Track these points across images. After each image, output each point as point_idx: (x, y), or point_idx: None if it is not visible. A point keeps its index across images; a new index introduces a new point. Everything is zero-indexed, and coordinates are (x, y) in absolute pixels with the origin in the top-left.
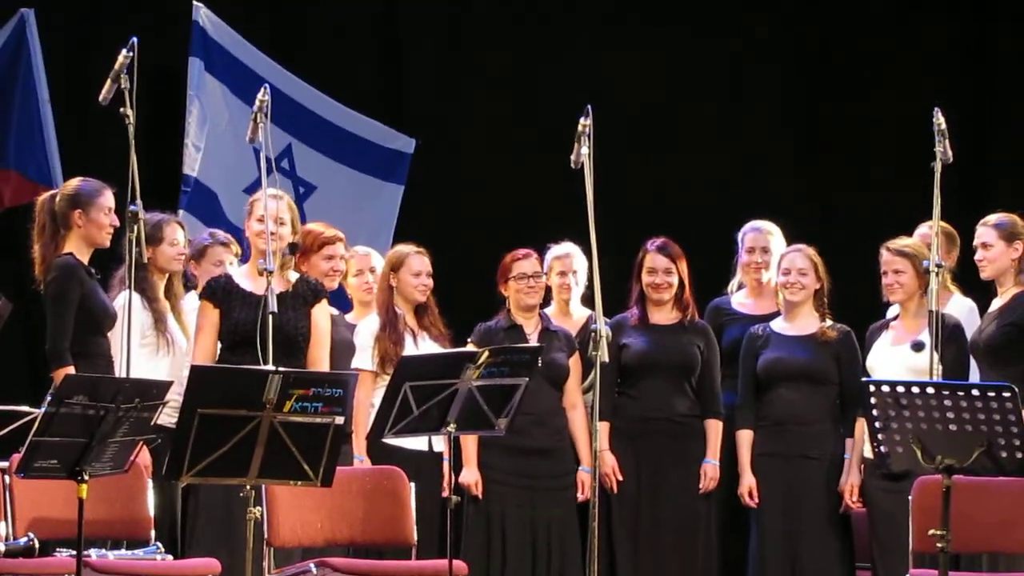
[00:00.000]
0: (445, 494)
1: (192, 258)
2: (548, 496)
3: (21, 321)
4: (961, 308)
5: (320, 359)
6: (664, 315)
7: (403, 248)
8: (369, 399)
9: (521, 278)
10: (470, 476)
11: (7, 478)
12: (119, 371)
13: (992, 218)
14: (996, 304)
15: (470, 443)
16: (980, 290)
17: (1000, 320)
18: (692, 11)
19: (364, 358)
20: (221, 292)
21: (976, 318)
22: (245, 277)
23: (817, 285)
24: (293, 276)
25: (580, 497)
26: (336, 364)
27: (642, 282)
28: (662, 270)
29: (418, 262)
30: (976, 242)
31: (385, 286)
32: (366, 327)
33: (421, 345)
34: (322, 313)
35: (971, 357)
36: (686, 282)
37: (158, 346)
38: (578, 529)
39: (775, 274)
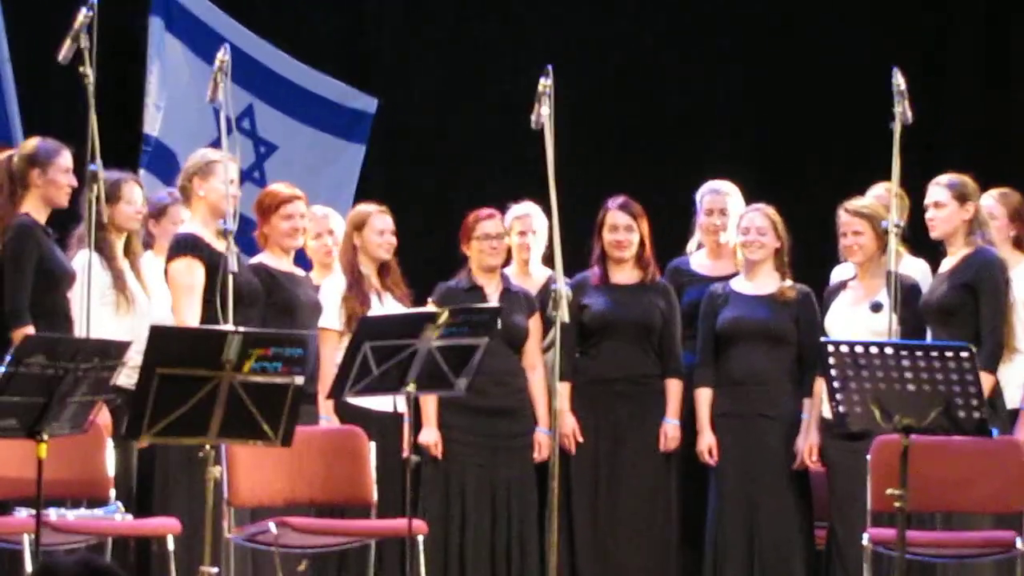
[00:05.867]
0: (405, 454)
1: (151, 216)
2: (507, 456)
3: None
4: (915, 269)
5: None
6: (625, 275)
7: (366, 207)
8: (334, 358)
9: (484, 238)
10: (429, 436)
11: None
12: (79, 331)
13: (944, 178)
14: (946, 265)
15: (430, 403)
16: (925, 252)
17: (951, 280)
18: None
19: (331, 317)
20: (206, 250)
21: (931, 279)
22: (211, 236)
23: (777, 244)
24: None
25: (536, 458)
26: (305, 324)
27: (603, 240)
28: (623, 227)
29: (381, 221)
30: (928, 201)
31: (349, 246)
32: (332, 287)
33: (386, 305)
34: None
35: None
36: (647, 241)
37: (118, 304)
38: (536, 489)
39: (734, 235)
